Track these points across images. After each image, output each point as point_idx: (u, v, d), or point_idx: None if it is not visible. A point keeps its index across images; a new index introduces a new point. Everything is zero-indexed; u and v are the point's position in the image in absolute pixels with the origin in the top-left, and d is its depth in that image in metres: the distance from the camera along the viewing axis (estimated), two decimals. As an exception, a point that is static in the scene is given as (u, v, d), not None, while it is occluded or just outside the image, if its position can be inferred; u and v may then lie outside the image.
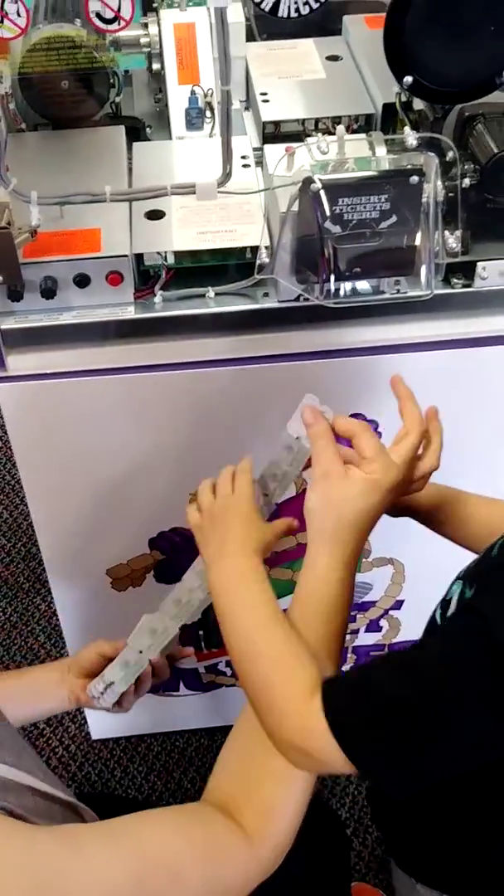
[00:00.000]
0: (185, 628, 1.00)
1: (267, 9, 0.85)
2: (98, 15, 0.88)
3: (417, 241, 0.97)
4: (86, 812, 0.84)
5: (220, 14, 0.78)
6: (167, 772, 1.64)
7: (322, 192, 0.91)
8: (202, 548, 0.84)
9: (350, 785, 1.63)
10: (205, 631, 1.40)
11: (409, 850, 0.96)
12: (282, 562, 1.32)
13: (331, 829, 1.20)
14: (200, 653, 1.46)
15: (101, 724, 1.63)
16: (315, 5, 0.86)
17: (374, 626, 1.51)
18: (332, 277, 0.96)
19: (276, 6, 0.85)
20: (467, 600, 0.71)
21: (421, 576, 1.39)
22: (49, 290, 0.98)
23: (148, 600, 1.35)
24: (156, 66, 1.19)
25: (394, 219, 0.94)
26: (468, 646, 0.63)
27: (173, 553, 1.28)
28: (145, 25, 1.17)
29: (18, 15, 0.83)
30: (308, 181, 0.92)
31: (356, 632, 1.50)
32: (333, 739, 0.65)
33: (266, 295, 1.03)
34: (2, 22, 0.82)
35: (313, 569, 0.75)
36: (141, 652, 0.99)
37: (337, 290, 0.98)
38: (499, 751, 0.64)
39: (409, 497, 0.87)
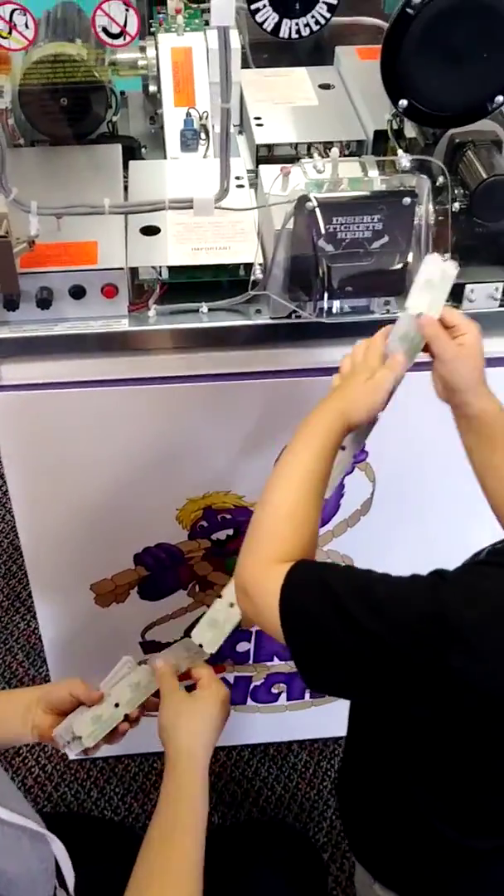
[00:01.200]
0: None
1: (269, 29, 0.87)
2: (105, 30, 0.90)
3: (409, 262, 0.99)
4: (54, 842, 0.84)
5: (223, 32, 0.80)
6: (144, 793, 1.62)
7: (317, 211, 0.93)
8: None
9: (328, 810, 1.62)
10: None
11: (370, 847, 0.98)
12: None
13: (307, 856, 1.20)
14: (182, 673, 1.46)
15: (78, 745, 1.62)
16: (315, 28, 0.88)
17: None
18: (325, 295, 0.98)
19: (277, 27, 0.87)
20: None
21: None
22: (45, 301, 0.99)
23: (131, 617, 1.35)
24: (152, 88, 1.21)
25: (386, 239, 0.97)
26: (415, 601, 0.69)
27: (158, 569, 1.28)
28: (143, 48, 1.19)
29: (27, 27, 0.85)
30: (304, 199, 0.94)
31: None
32: (277, 606, 0.73)
33: (258, 311, 1.05)
34: (10, 33, 0.83)
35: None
36: (117, 706, 0.95)
37: (329, 307, 0.99)
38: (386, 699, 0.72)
39: (461, 400, 0.87)
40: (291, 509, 0.80)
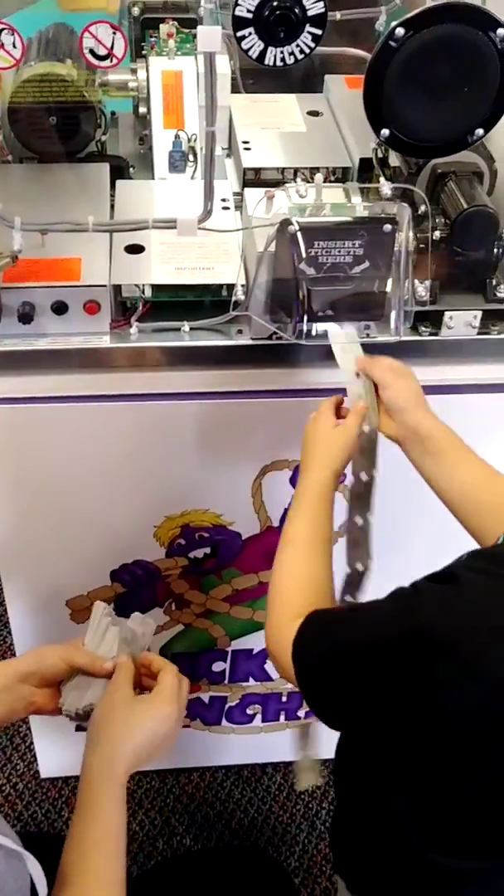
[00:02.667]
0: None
1: (254, 56, 0.89)
2: (92, 52, 0.91)
3: (388, 288, 1.00)
4: (29, 860, 0.83)
5: (209, 59, 0.82)
6: (115, 814, 1.61)
7: (299, 234, 0.94)
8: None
9: (301, 833, 1.61)
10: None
11: (359, 873, 0.97)
12: (243, 600, 1.33)
13: (280, 883, 1.19)
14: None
15: (51, 763, 1.60)
16: (300, 56, 0.90)
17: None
18: (305, 318, 0.99)
19: (262, 55, 0.89)
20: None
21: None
22: (26, 316, 1.00)
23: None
24: (142, 109, 1.22)
25: (366, 264, 0.98)
26: (393, 622, 0.71)
27: (134, 586, 1.28)
28: (134, 71, 1.21)
29: (14, 46, 0.86)
30: (286, 223, 0.95)
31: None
32: (292, 660, 0.77)
33: (240, 332, 1.06)
34: (-3, 52, 0.85)
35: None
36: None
37: (309, 330, 1.00)
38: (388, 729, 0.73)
39: (411, 420, 0.93)
40: (296, 571, 0.86)
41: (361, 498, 0.96)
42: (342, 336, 0.99)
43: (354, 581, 0.96)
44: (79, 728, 1.47)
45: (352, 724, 0.80)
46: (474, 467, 0.92)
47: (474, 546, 0.88)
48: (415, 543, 1.21)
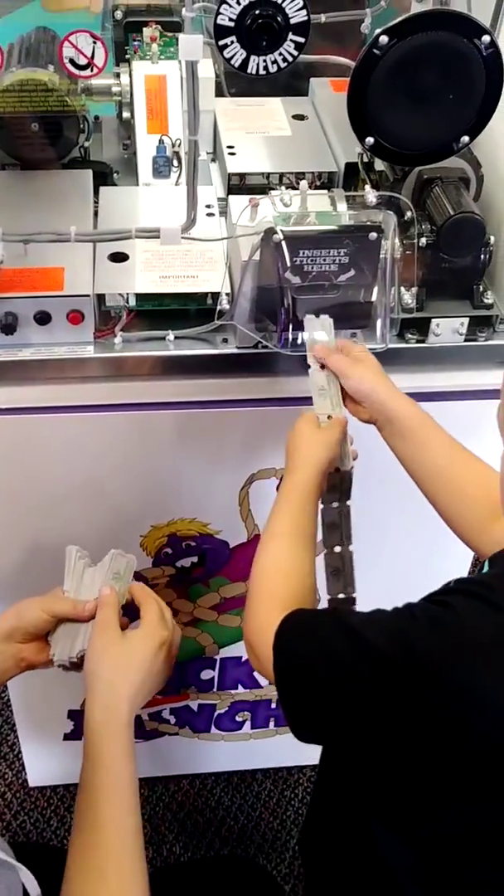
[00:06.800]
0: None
1: (237, 65, 0.88)
2: (72, 61, 0.90)
3: (374, 296, 0.99)
4: (22, 871, 0.81)
5: (191, 67, 0.81)
6: (105, 822, 1.60)
7: (283, 243, 0.94)
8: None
9: (291, 840, 1.60)
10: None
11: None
12: (231, 608, 1.32)
13: (268, 889, 1.18)
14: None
15: (39, 771, 1.59)
16: (283, 65, 0.89)
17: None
18: (291, 326, 0.98)
19: (245, 63, 0.88)
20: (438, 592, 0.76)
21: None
22: (9, 326, 0.98)
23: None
24: (126, 114, 1.21)
25: (352, 273, 0.97)
26: (385, 639, 0.70)
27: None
28: (117, 75, 1.19)
29: (-7, 55, 0.85)
30: (270, 232, 0.94)
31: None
32: (272, 656, 0.75)
33: (225, 341, 1.05)
34: (-25, 61, 0.83)
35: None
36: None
37: (294, 338, 1.00)
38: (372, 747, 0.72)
39: (377, 403, 0.93)
40: (279, 564, 0.85)
41: (335, 528, 0.95)
42: (317, 326, 0.97)
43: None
44: (67, 738, 1.47)
45: (325, 730, 0.77)
46: (442, 447, 0.93)
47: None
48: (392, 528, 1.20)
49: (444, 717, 0.65)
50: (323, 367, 0.95)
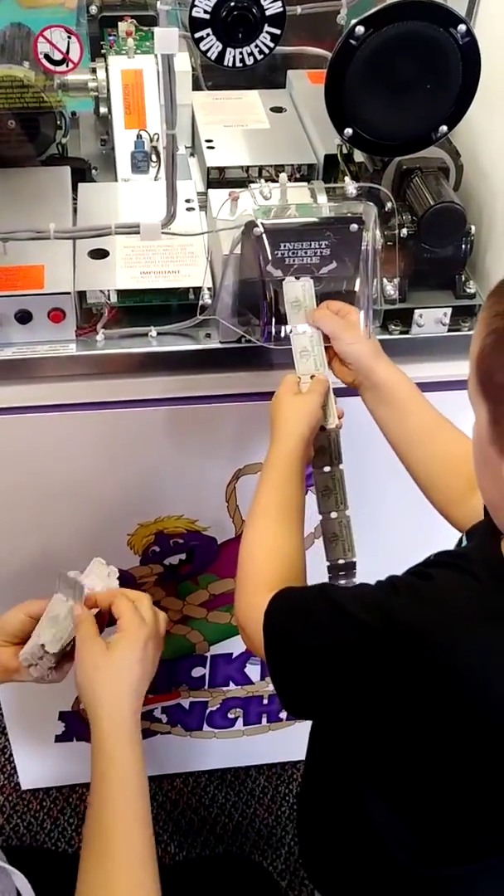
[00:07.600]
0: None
1: (213, 58, 0.87)
2: (47, 57, 0.89)
3: (356, 287, 0.99)
4: (15, 874, 0.81)
5: (167, 61, 0.80)
6: (99, 823, 1.59)
7: (264, 237, 0.93)
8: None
9: (286, 836, 1.60)
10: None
11: (326, 873, 0.98)
12: (221, 605, 1.32)
13: (266, 890, 1.18)
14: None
15: (32, 774, 1.58)
16: (259, 57, 0.88)
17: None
18: (273, 320, 0.98)
19: (221, 56, 0.87)
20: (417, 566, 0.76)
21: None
22: (-11, 325, 0.97)
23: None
24: (103, 109, 1.20)
25: (334, 265, 0.96)
26: (370, 613, 0.70)
27: (110, 595, 1.26)
28: (93, 70, 1.19)
29: (-33, 52, 0.84)
30: (251, 225, 0.93)
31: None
32: (262, 632, 0.76)
33: (208, 336, 1.04)
34: None
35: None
36: (67, 600, 0.88)
37: (277, 332, 0.99)
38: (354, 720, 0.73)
39: (364, 368, 0.94)
40: (266, 542, 0.85)
41: (329, 493, 0.94)
42: (298, 289, 0.96)
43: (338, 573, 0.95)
44: (59, 740, 1.46)
45: (316, 704, 0.79)
46: (427, 415, 0.93)
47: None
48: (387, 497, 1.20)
49: (425, 682, 0.67)
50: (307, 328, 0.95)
